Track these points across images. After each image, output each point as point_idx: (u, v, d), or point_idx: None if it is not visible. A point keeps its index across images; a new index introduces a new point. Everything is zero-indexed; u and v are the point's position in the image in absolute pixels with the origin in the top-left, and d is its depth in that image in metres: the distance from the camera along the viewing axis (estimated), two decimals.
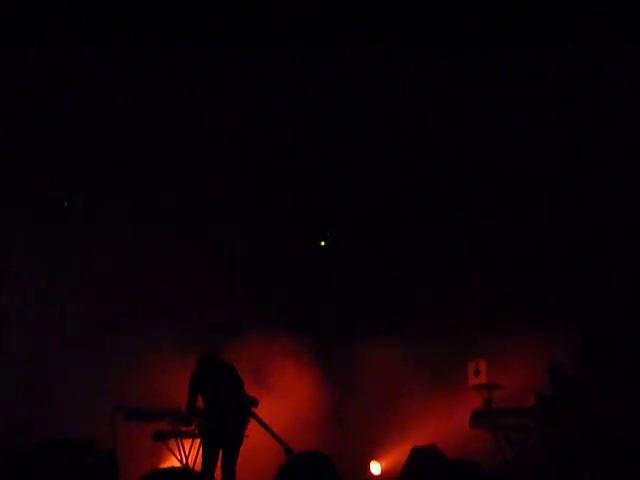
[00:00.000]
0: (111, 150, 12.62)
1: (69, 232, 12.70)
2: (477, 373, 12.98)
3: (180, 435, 11.19)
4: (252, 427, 10.32)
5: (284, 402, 12.53)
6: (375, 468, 13.45)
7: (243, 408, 10.21)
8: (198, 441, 10.88)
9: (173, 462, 11.12)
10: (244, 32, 11.47)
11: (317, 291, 13.82)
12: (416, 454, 12.20)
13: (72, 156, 12.47)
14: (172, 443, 11.26)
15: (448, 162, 13.31)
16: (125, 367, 12.16)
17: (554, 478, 11.05)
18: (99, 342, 12.42)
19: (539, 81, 12.37)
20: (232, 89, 12.44)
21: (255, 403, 10.27)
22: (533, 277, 13.47)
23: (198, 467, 10.38)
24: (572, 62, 11.98)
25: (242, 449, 10.14)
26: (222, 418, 10.13)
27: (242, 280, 13.30)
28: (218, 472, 10.12)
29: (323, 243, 15.02)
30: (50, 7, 10.80)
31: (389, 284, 13.82)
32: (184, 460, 11.20)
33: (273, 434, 10.10)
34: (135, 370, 12.13)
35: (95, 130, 12.36)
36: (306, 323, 13.62)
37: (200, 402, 10.35)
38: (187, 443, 11.23)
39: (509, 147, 13.01)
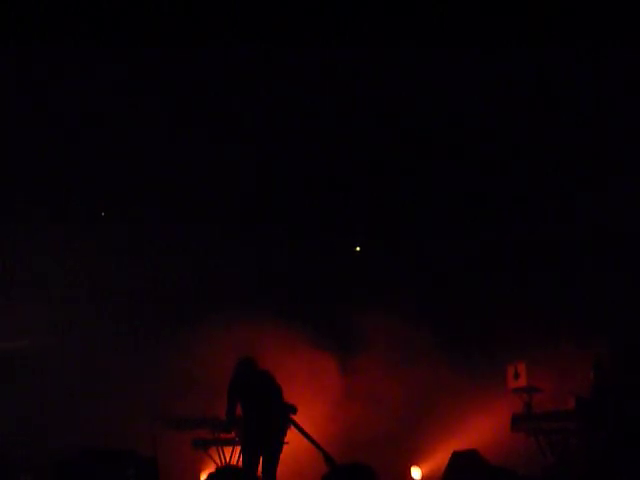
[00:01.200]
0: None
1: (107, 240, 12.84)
2: (517, 376, 12.89)
3: (220, 442, 11.24)
4: (293, 434, 10.34)
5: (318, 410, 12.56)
6: (416, 473, 13.40)
7: (282, 415, 10.21)
8: (238, 448, 10.91)
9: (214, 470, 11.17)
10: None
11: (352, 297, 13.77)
12: (457, 459, 12.11)
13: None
14: (212, 450, 11.31)
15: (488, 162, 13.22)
16: (164, 375, 12.25)
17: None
18: (137, 351, 12.51)
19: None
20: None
21: (294, 410, 10.25)
22: (571, 278, 13.35)
23: None
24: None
25: (282, 456, 10.15)
26: (262, 425, 10.13)
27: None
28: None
29: (359, 249, 15.02)
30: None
31: (422, 285, 13.74)
32: None
33: (313, 442, 10.10)
34: (174, 378, 12.22)
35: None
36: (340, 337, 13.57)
37: (239, 409, 10.39)
38: (227, 450, 11.28)
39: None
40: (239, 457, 10.75)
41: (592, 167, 12.79)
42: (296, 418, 10.27)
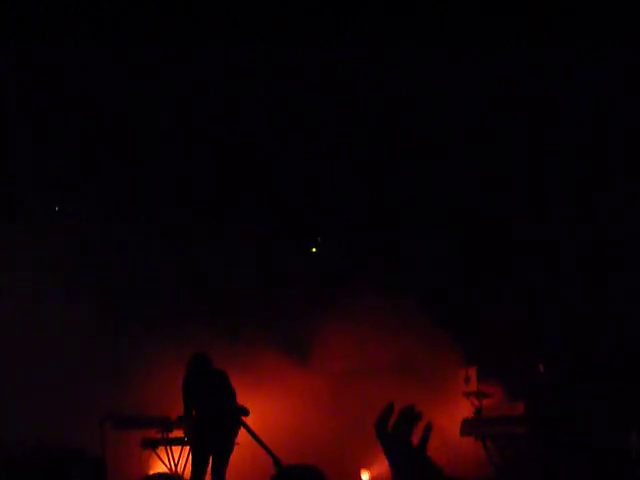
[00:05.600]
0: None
1: (63, 235, 12.68)
2: (467, 380, 12.98)
3: (169, 442, 11.15)
4: (241, 435, 10.29)
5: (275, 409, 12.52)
6: (365, 476, 13.43)
7: (234, 416, 10.16)
8: (187, 448, 10.84)
9: (162, 470, 11.08)
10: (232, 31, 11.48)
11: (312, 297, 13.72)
12: None
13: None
14: (161, 450, 11.22)
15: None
16: (114, 375, 12.13)
17: None
18: (87, 350, 12.36)
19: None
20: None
21: (246, 412, 10.21)
22: (523, 281, 13.45)
23: (187, 475, 10.34)
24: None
25: (232, 457, 10.10)
26: (213, 425, 10.08)
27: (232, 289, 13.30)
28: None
29: (314, 250, 15.00)
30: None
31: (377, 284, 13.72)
32: (173, 468, 11.15)
33: (262, 444, 10.08)
34: (124, 378, 12.09)
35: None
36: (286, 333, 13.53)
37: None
38: (176, 450, 11.20)
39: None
40: (187, 457, 10.68)
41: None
42: (246, 420, 10.24)
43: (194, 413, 10.22)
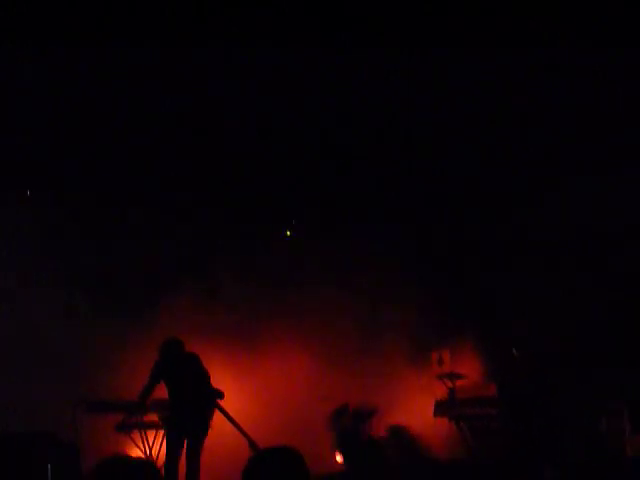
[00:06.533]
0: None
1: (34, 217, 12.59)
2: (441, 362, 13.08)
3: (143, 426, 11.14)
4: (219, 419, 10.31)
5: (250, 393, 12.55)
6: (340, 459, 13.48)
7: (209, 400, 10.16)
8: (162, 432, 10.84)
9: (137, 454, 11.06)
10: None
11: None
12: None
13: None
14: (135, 435, 11.20)
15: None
16: (87, 359, 12.08)
17: (516, 467, 11.16)
18: (61, 333, 12.29)
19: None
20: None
21: (221, 395, 10.22)
22: (501, 266, 13.53)
23: (162, 459, 10.34)
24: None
25: (207, 441, 10.10)
26: (187, 409, 10.08)
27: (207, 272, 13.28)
28: (182, 464, 10.07)
29: (289, 233, 14.98)
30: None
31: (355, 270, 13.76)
32: (148, 452, 11.15)
33: (238, 427, 10.09)
34: (99, 362, 12.05)
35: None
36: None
37: (165, 393, 10.30)
38: (151, 434, 11.19)
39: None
40: (162, 441, 10.68)
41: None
42: (222, 403, 10.25)
43: (168, 397, 10.22)
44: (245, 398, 12.01)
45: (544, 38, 11.52)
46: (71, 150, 12.63)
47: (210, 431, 10.16)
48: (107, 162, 12.95)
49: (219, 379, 10.52)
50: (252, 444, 9.68)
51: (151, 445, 11.14)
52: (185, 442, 10.03)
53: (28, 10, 10.95)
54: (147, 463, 5.32)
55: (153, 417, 11.12)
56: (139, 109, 12.51)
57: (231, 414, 10.50)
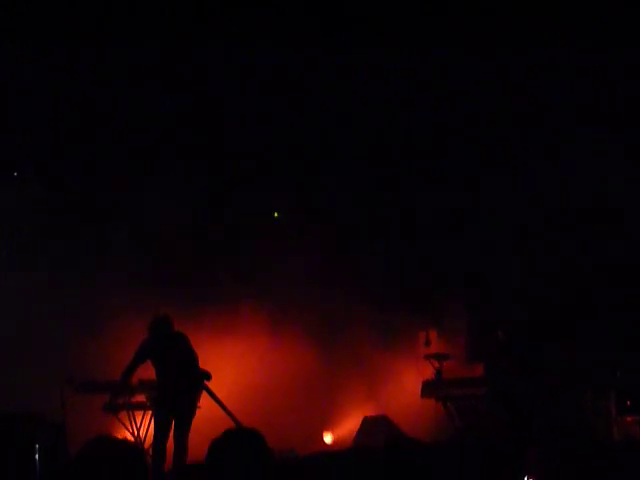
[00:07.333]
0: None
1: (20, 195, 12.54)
2: (428, 343, 13.13)
3: (131, 407, 11.14)
4: (206, 400, 10.31)
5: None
6: (328, 438, 13.56)
7: (196, 380, 10.14)
8: (149, 413, 10.84)
9: (125, 434, 11.07)
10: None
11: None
12: (367, 424, 12.35)
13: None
14: (123, 415, 11.21)
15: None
16: (74, 340, 12.06)
17: (502, 446, 11.22)
18: (45, 315, 12.25)
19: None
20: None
21: (208, 377, 10.19)
22: (487, 248, 13.56)
23: (150, 439, 10.34)
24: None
25: (194, 421, 10.11)
26: (174, 390, 10.06)
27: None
28: (170, 444, 10.08)
29: (276, 215, 14.96)
30: None
31: (342, 252, 13.77)
32: (135, 432, 11.16)
33: (224, 408, 10.10)
34: (87, 342, 12.04)
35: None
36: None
37: (153, 374, 10.29)
38: (138, 415, 11.19)
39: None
40: (150, 422, 10.68)
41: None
42: (209, 384, 10.24)
43: (155, 377, 10.20)
44: (231, 381, 12.01)
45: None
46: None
47: (197, 411, 10.16)
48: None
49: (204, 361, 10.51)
50: (238, 424, 9.69)
51: (139, 426, 11.15)
52: (173, 422, 10.03)
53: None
54: (131, 444, 5.32)
55: (141, 398, 11.12)
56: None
57: (217, 395, 10.50)
